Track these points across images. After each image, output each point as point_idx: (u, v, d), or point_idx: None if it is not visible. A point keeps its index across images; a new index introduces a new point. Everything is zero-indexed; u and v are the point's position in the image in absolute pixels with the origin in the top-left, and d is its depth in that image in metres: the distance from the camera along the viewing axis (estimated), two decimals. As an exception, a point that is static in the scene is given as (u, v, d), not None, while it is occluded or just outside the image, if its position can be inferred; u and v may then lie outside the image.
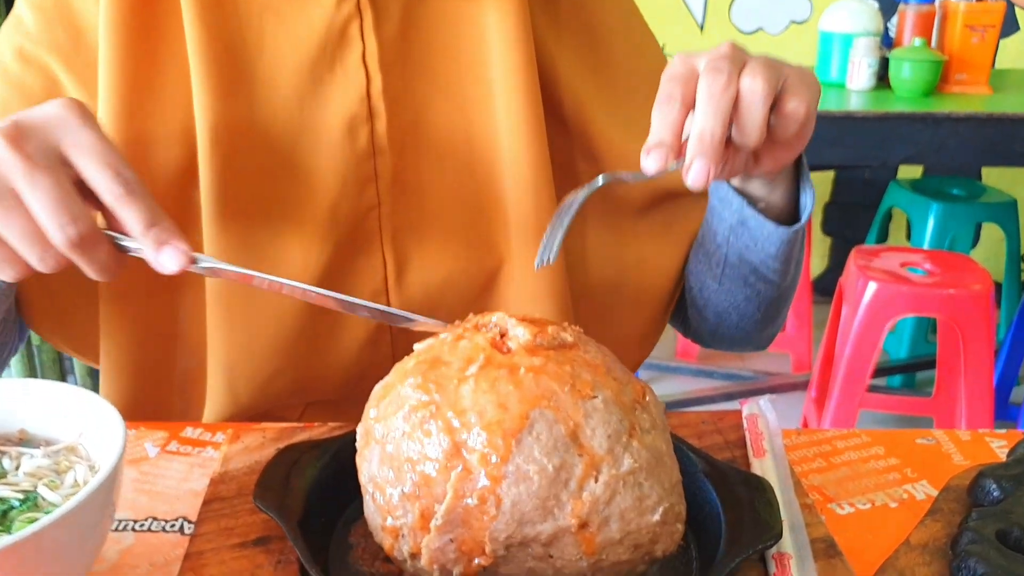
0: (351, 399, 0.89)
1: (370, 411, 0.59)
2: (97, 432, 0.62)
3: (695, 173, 0.61)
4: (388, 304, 0.84)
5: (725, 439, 0.73)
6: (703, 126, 0.61)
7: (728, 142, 0.63)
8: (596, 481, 0.51)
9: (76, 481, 0.59)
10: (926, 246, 2.78)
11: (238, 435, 0.73)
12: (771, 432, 0.72)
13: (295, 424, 0.76)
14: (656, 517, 0.52)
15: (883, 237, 3.10)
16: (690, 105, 0.63)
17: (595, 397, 0.52)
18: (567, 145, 0.87)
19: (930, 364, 2.69)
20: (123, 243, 0.62)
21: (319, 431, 0.73)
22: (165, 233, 0.61)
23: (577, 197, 0.63)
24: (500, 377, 0.53)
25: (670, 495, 0.53)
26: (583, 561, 0.51)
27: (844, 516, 0.68)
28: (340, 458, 0.65)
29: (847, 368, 2.26)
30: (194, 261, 0.62)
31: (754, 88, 0.62)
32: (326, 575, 0.58)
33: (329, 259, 0.82)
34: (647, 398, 0.56)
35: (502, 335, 0.56)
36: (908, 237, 3.09)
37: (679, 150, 0.62)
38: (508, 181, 0.83)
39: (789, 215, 0.82)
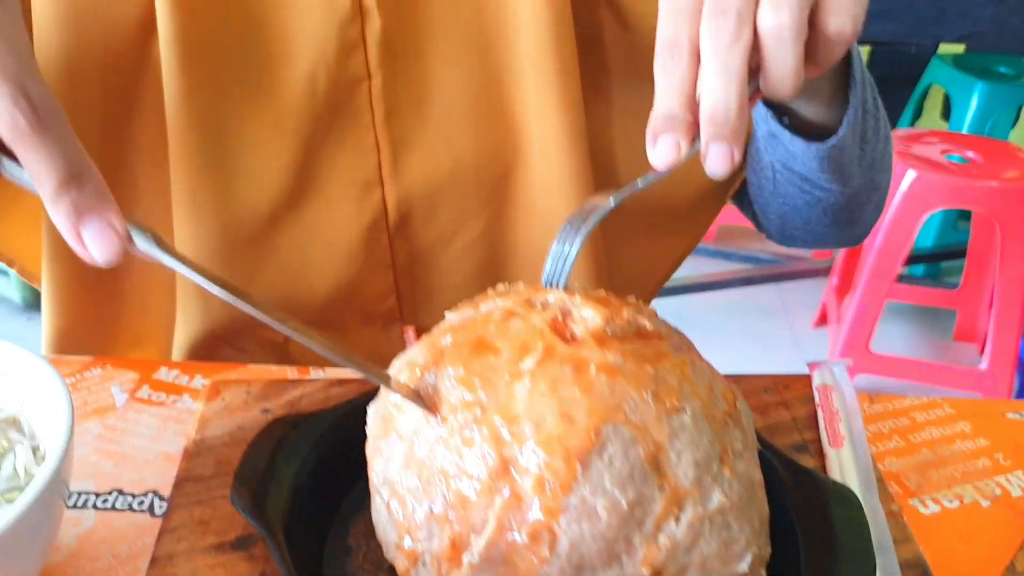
0: (343, 320, 0.78)
1: (391, 394, 0.47)
2: (40, 403, 0.51)
3: (714, 162, 0.45)
4: (384, 197, 0.72)
5: (793, 416, 0.62)
6: (714, 100, 0.45)
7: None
8: (677, 522, 0.40)
9: (15, 471, 0.49)
10: (965, 127, 2.61)
11: (217, 390, 0.62)
12: (848, 410, 0.61)
13: (284, 377, 0.65)
14: (743, 567, 0.42)
15: (918, 114, 2.92)
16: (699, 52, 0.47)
17: (683, 411, 0.41)
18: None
19: (957, 253, 2.58)
20: (20, 177, 0.42)
21: (313, 388, 0.62)
22: (89, 197, 0.40)
23: (587, 221, 0.48)
24: (563, 377, 0.41)
25: (759, 536, 0.43)
26: (644, 614, 0.41)
27: (928, 517, 0.58)
28: (335, 436, 0.54)
29: (876, 259, 2.14)
30: (129, 240, 0.41)
31: (779, 25, 0.45)
32: (319, 598, 0.48)
33: (308, 141, 0.70)
34: (738, 406, 0.45)
35: (563, 315, 0.44)
36: (942, 115, 2.91)
37: (695, 123, 0.46)
38: (525, 46, 0.69)
39: (836, 120, 0.67)
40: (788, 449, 0.59)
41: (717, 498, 0.41)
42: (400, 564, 0.45)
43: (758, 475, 0.44)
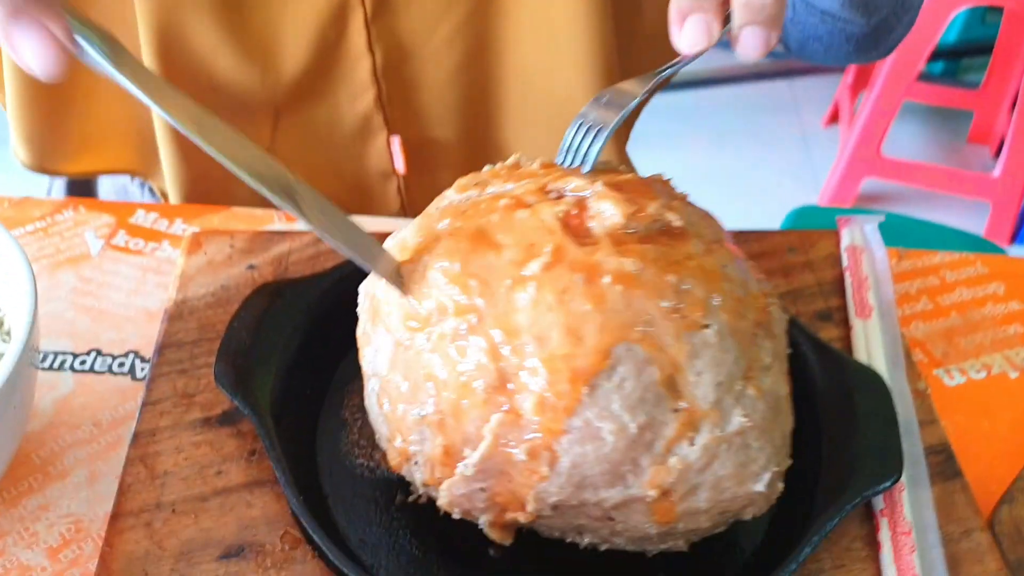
0: (325, 129, 0.72)
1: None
2: (2, 274, 0.46)
3: (747, 48, 0.39)
4: (365, 9, 0.65)
5: (818, 279, 0.57)
6: None
7: None
8: (692, 444, 0.37)
9: (-23, 347, 0.45)
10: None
11: (199, 242, 0.57)
12: (878, 276, 0.57)
13: (270, 222, 0.60)
14: (759, 487, 0.39)
15: None
16: None
17: (706, 327, 0.37)
18: None
19: (981, 50, 2.45)
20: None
21: (302, 242, 0.57)
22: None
23: (610, 120, 0.41)
24: (573, 287, 0.36)
25: (779, 453, 0.40)
26: (651, 528, 0.39)
27: (952, 388, 0.55)
28: (325, 304, 0.50)
29: (896, 57, 2.02)
30: (76, 49, 0.35)
31: None
32: (312, 488, 0.45)
33: None
34: (770, 311, 0.40)
35: (579, 208, 0.39)
36: None
37: (720, 6, 0.40)
38: None
39: None
40: (811, 318, 0.55)
41: (737, 420, 0.37)
42: (392, 459, 0.42)
43: (785, 388, 0.40)
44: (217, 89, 0.67)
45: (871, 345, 0.52)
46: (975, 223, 2.06)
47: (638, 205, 0.38)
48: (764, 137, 2.39)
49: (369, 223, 0.62)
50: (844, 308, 0.56)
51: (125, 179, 0.77)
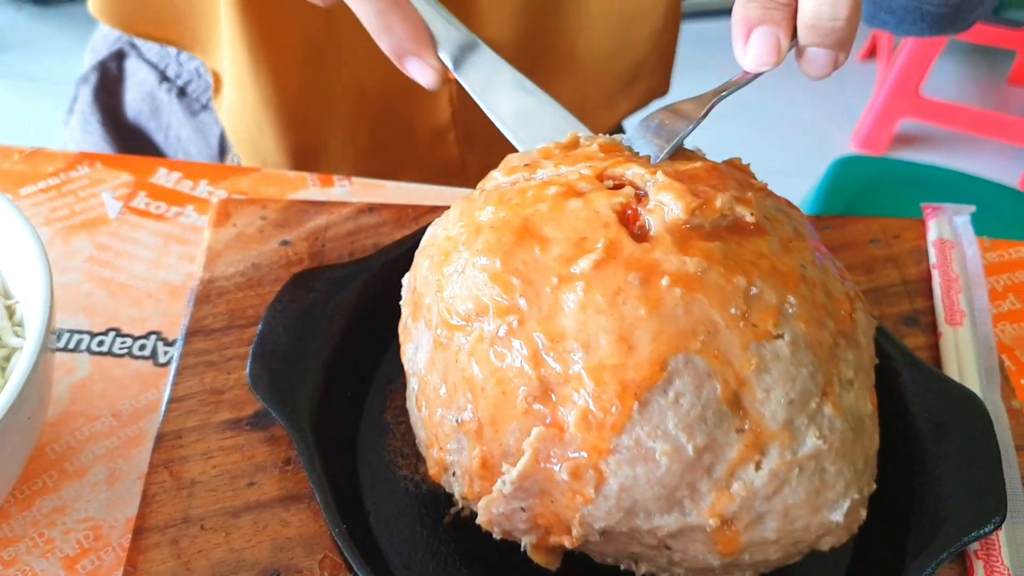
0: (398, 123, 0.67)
1: (421, 262, 0.39)
2: (11, 249, 0.42)
3: (813, 67, 0.38)
4: None
5: (903, 277, 0.52)
6: (818, 10, 0.36)
7: None
8: (758, 468, 0.33)
9: (-13, 342, 0.41)
10: None
11: (227, 212, 0.52)
12: (970, 275, 0.52)
13: (301, 197, 0.55)
14: (836, 516, 0.35)
15: None
16: None
17: (778, 337, 0.33)
18: None
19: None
20: None
21: (340, 216, 0.52)
22: (404, 41, 0.41)
23: (666, 144, 0.38)
24: (627, 288, 0.32)
25: (861, 477, 0.35)
26: (713, 559, 0.35)
27: (1044, 403, 0.51)
28: (368, 295, 0.46)
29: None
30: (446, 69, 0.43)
31: None
32: (353, 506, 0.41)
33: None
34: (855, 317, 0.36)
35: (638, 198, 0.35)
36: None
37: (792, 16, 0.37)
38: None
39: None
40: (896, 322, 0.50)
41: (811, 442, 0.33)
42: (431, 467, 0.39)
43: (870, 404, 0.36)
44: None
45: (962, 357, 0.48)
46: (1011, 169, 1.99)
47: (704, 198, 0.34)
48: (795, 69, 2.30)
49: (423, 191, 0.57)
50: (932, 311, 0.51)
51: (153, 83, 0.71)
